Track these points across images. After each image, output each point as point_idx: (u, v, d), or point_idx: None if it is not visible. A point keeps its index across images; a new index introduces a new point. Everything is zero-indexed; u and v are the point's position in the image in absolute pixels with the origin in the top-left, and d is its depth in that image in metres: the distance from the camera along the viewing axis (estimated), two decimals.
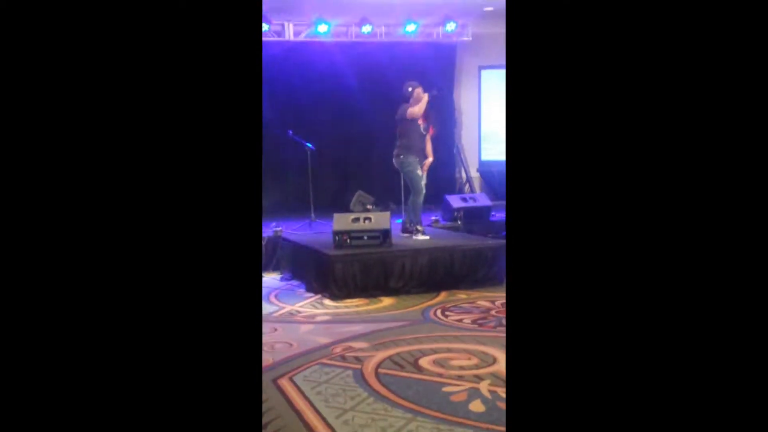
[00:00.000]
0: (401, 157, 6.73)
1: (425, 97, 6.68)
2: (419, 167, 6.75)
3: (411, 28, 9.69)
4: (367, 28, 9.51)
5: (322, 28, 9.35)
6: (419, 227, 6.83)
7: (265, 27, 9.04)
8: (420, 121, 6.74)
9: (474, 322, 4.95)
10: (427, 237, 6.78)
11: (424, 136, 6.86)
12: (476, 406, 3.30)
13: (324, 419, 3.22)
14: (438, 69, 10.29)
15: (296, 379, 3.80)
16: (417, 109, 6.64)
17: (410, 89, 6.73)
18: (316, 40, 9.54)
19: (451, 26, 9.88)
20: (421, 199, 6.81)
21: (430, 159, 7.08)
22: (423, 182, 6.80)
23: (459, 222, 7.79)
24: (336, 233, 6.22)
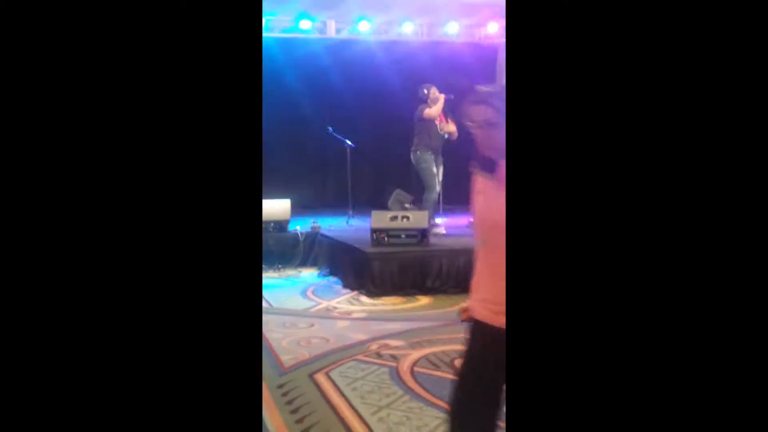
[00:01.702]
0: (417, 152, 6.99)
1: (441, 98, 6.95)
2: (434, 164, 6.95)
3: (453, 28, 9.67)
4: (408, 27, 9.52)
5: (364, 25, 9.37)
6: (434, 221, 7.08)
7: (308, 24, 9.09)
8: (437, 121, 6.97)
9: None
10: (443, 230, 7.04)
11: (442, 136, 7.04)
12: None
13: (359, 415, 3.24)
14: (479, 70, 10.21)
15: (332, 374, 3.83)
16: (434, 110, 6.92)
17: (425, 91, 7.04)
18: (358, 37, 9.57)
19: (493, 27, 9.83)
20: (435, 195, 7.03)
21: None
22: (439, 179, 7.03)
23: None
24: (374, 231, 6.25)
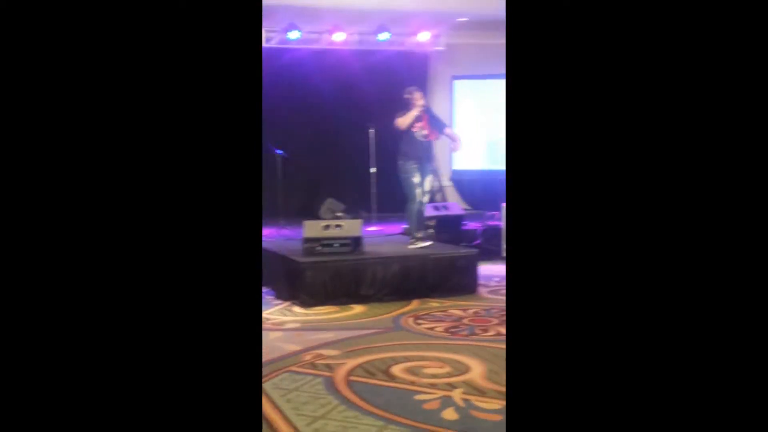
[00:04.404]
0: (400, 162, 6.63)
1: (414, 110, 6.50)
2: (417, 174, 6.57)
3: (384, 36, 9.68)
4: (339, 36, 9.48)
5: (293, 34, 9.29)
6: (417, 234, 6.64)
7: None
8: (416, 128, 6.54)
9: (446, 330, 4.91)
10: (428, 243, 6.62)
11: (423, 142, 6.62)
12: (449, 414, 3.26)
13: (295, 427, 3.16)
14: (411, 78, 10.12)
15: (266, 386, 3.72)
16: (401, 120, 6.51)
17: (406, 96, 6.59)
18: (288, 46, 9.48)
19: (424, 36, 9.89)
20: (416, 206, 6.64)
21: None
22: (424, 189, 6.66)
23: (431, 230, 7.76)
24: (306, 240, 6.15)
